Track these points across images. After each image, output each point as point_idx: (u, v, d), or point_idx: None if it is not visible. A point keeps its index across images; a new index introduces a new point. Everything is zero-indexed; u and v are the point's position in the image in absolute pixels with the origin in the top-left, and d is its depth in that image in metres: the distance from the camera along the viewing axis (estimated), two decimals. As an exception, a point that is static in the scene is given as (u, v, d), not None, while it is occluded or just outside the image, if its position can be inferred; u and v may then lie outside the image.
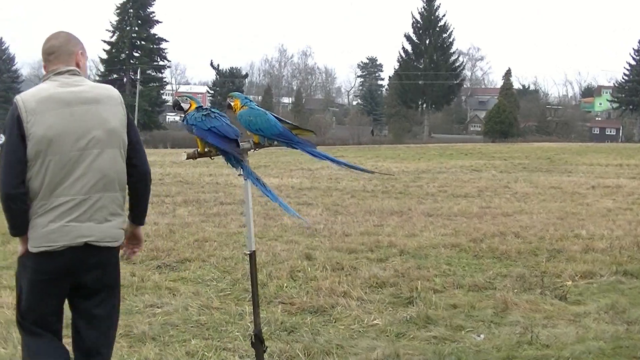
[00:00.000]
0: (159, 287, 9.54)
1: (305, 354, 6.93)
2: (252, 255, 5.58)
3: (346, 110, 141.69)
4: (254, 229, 5.69)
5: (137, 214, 5.35)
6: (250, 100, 5.77)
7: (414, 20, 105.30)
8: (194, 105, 5.62)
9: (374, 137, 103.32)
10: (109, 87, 5.21)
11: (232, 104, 5.70)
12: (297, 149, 5.66)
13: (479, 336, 7.72)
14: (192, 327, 7.94)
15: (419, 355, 6.92)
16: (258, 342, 5.54)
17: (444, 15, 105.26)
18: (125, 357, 6.81)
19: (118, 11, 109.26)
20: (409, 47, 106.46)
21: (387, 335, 7.68)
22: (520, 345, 7.27)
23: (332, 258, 11.35)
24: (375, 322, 8.12)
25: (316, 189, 24.19)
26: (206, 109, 5.53)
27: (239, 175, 5.59)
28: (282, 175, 28.84)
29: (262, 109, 5.62)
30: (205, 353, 6.98)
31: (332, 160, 5.81)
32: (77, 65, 5.05)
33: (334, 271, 10.53)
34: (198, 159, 5.76)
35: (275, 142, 5.61)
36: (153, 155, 49.63)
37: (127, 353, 6.94)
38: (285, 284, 9.73)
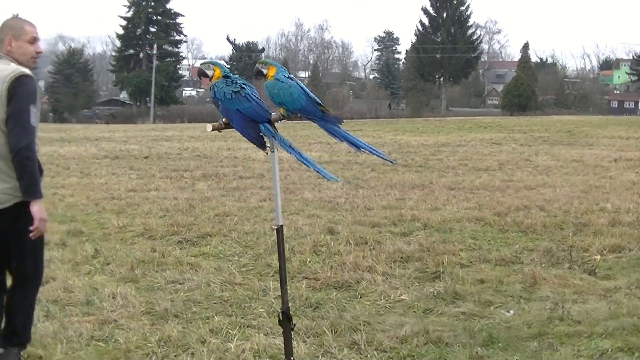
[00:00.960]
0: (180, 262, 9.41)
1: (332, 330, 6.77)
2: (280, 230, 5.37)
3: (363, 84, 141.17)
4: (274, 203, 5.53)
5: (21, 188, 5.53)
6: (284, 70, 5.58)
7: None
8: (219, 72, 5.45)
9: (391, 111, 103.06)
10: (9, 67, 5.56)
11: (266, 72, 5.51)
12: (319, 125, 5.49)
13: (508, 312, 7.53)
14: (215, 303, 7.78)
15: (449, 332, 6.73)
16: (286, 319, 5.36)
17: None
18: (147, 335, 6.65)
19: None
20: (426, 21, 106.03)
21: (415, 311, 7.51)
22: (551, 321, 7.08)
23: (356, 232, 11.17)
24: (401, 297, 7.95)
25: (335, 163, 23.99)
26: (236, 82, 5.35)
27: (266, 153, 5.43)
28: (301, 149, 28.56)
29: (291, 81, 5.42)
30: (230, 330, 6.81)
31: (353, 143, 5.57)
32: (8, 50, 5.66)
33: (357, 245, 10.37)
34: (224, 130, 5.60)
35: (299, 115, 5.45)
36: (171, 130, 49.68)
37: (149, 331, 6.79)
38: (308, 259, 9.58)
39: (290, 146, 5.38)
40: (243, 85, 5.37)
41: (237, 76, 5.48)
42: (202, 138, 39.16)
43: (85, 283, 8.48)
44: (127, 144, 35.04)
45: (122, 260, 9.57)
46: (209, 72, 5.47)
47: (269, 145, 5.40)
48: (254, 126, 5.32)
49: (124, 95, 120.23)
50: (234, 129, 5.43)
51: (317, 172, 5.56)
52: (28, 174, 5.46)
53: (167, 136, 42.05)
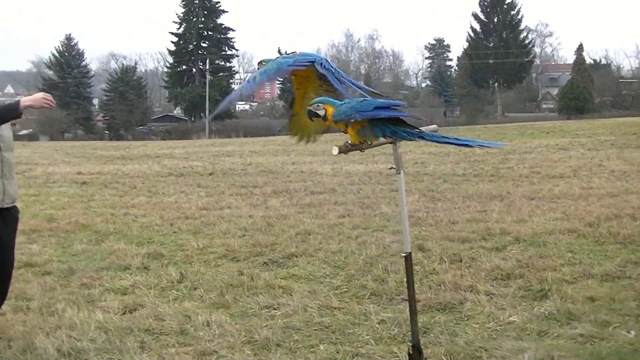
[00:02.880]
0: (271, 286, 9.05)
1: (450, 358, 6.38)
2: (408, 258, 5.01)
3: (416, 92, 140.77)
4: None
5: None
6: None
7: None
8: (331, 108, 5.15)
9: (447, 119, 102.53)
10: None
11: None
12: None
13: (629, 332, 7.07)
14: (315, 330, 7.41)
15: (575, 357, 6.31)
16: (416, 353, 5.00)
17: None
18: (254, 367, 6.31)
19: (184, 3, 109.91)
20: (477, 26, 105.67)
21: (529, 334, 7.07)
22: (680, 342, 6.64)
23: (447, 249, 10.75)
24: (511, 319, 7.50)
25: (405, 174, 23.52)
26: (354, 98, 5.11)
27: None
28: (366, 160, 28.18)
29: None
30: (340, 360, 6.46)
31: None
32: None
33: (452, 263, 9.95)
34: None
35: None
36: (230, 145, 49.59)
37: (255, 363, 6.45)
38: (404, 279, 9.14)
39: (442, 136, 5.12)
40: (364, 96, 5.12)
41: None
42: (263, 152, 38.99)
43: (175, 310, 8.17)
44: (188, 160, 34.90)
45: (210, 285, 9.26)
46: (321, 113, 5.18)
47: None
48: (400, 108, 5.06)
49: (177, 111, 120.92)
50: (354, 151, 5.15)
51: (482, 145, 5.46)
52: None
53: (227, 151, 41.89)
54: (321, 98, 5.30)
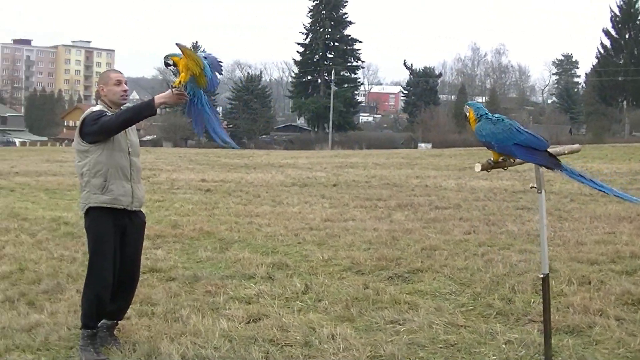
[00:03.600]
0: (397, 301, 8.98)
1: (581, 385, 6.23)
2: (546, 279, 4.91)
3: (541, 108, 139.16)
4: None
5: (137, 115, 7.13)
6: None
7: (612, 14, 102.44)
8: (473, 113, 5.12)
9: (572, 137, 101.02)
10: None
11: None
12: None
13: None
14: (441, 347, 7.32)
15: None
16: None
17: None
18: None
19: (311, 13, 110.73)
20: (607, 43, 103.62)
21: (662, 363, 6.88)
22: None
23: (576, 270, 10.50)
24: (642, 346, 7.31)
25: (530, 192, 23.18)
26: (502, 120, 5.02)
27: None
28: (491, 177, 27.91)
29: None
30: (467, 381, 6.36)
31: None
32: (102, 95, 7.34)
33: (581, 285, 9.70)
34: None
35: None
36: (353, 157, 49.68)
37: (381, 379, 6.39)
38: (532, 300, 8.97)
39: (580, 174, 4.99)
40: (511, 123, 5.02)
41: (496, 115, 5.14)
42: (387, 165, 38.97)
43: (300, 321, 8.15)
44: (312, 170, 35.10)
45: (335, 297, 9.24)
46: (466, 113, 5.18)
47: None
48: (538, 152, 4.94)
49: (301, 121, 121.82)
50: (500, 169, 5.05)
51: (618, 196, 5.37)
52: (125, 117, 6.92)
53: (351, 163, 42.03)
54: (471, 102, 5.38)
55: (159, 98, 6.89)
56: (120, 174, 7.10)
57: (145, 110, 6.86)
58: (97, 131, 6.92)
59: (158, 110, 6.99)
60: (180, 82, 6.93)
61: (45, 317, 8.25)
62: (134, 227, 7.34)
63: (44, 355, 7.14)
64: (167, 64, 7.12)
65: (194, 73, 6.93)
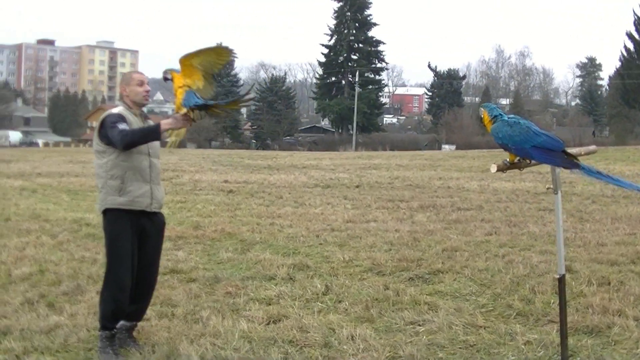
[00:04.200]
0: (417, 302, 9.00)
1: (597, 384, 6.24)
2: (562, 280, 4.92)
3: (565, 111, 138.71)
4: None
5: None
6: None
7: (635, 17, 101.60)
8: (487, 115, 5.13)
9: (595, 139, 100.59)
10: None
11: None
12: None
13: None
14: (460, 348, 7.35)
15: None
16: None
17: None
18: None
19: (336, 15, 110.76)
20: (631, 46, 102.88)
21: (680, 363, 6.88)
22: None
23: (596, 271, 10.50)
24: (661, 347, 7.31)
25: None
26: (518, 122, 5.05)
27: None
28: (513, 178, 27.87)
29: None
30: (485, 381, 6.38)
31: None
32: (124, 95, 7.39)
33: (600, 286, 9.69)
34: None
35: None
36: (377, 158, 49.64)
37: (400, 379, 6.42)
38: (552, 300, 8.96)
39: (597, 172, 5.01)
40: (527, 125, 5.04)
41: (512, 116, 5.16)
42: (410, 167, 38.97)
43: (320, 322, 8.18)
44: (335, 172, 35.14)
45: (355, 298, 9.27)
46: (482, 115, 5.21)
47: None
48: (555, 153, 4.95)
49: (325, 122, 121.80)
50: (515, 170, 5.08)
51: (636, 189, 5.46)
52: (130, 140, 6.90)
53: (374, 164, 42.05)
54: (485, 103, 5.44)
55: (164, 124, 6.97)
56: (138, 175, 7.15)
57: (150, 136, 7.01)
58: (108, 139, 7.02)
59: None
60: (179, 106, 7.06)
61: (65, 319, 8.30)
62: (154, 229, 7.40)
63: (63, 357, 7.18)
64: (165, 79, 7.29)
65: (196, 87, 7.08)
